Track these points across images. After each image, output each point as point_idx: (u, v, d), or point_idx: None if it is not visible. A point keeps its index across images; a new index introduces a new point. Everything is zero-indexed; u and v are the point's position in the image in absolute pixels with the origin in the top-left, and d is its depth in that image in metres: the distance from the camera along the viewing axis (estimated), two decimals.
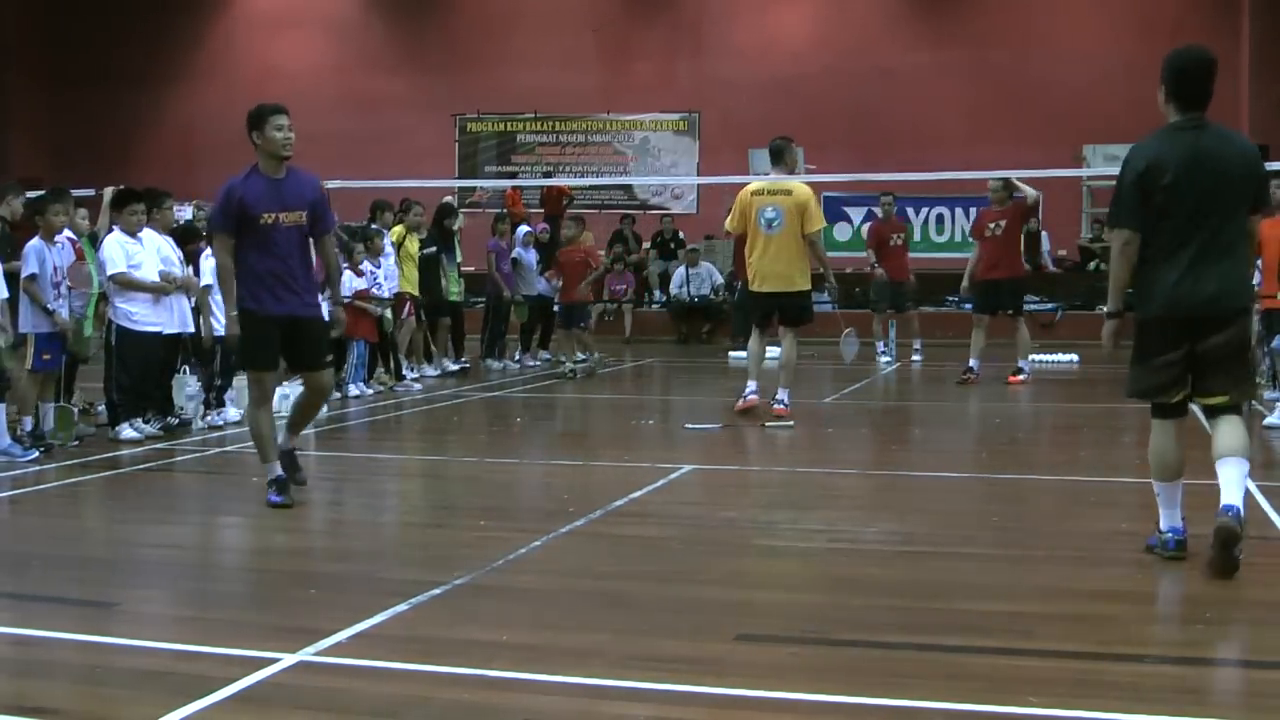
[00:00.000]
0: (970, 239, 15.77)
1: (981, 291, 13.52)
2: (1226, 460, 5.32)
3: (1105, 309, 5.62)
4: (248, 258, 6.83)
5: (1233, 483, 5.26)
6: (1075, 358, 15.76)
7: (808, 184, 10.65)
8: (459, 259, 14.95)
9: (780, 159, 10.43)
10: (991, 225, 13.46)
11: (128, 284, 9.20)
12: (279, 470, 6.91)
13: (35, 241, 8.85)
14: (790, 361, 10.22)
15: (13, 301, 8.70)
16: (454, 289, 14.71)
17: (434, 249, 14.14)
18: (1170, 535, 5.46)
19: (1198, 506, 5.46)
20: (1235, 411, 5.41)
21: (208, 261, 9.91)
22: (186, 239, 10.36)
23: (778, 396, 10.13)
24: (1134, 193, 5.31)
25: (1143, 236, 5.33)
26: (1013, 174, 15.21)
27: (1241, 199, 5.35)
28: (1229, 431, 5.37)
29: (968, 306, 14.54)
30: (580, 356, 14.76)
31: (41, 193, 9.53)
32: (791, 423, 9.92)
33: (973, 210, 19.91)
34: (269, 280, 6.83)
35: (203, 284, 9.83)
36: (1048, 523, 6.59)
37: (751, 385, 10.36)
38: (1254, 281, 12.65)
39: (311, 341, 7.11)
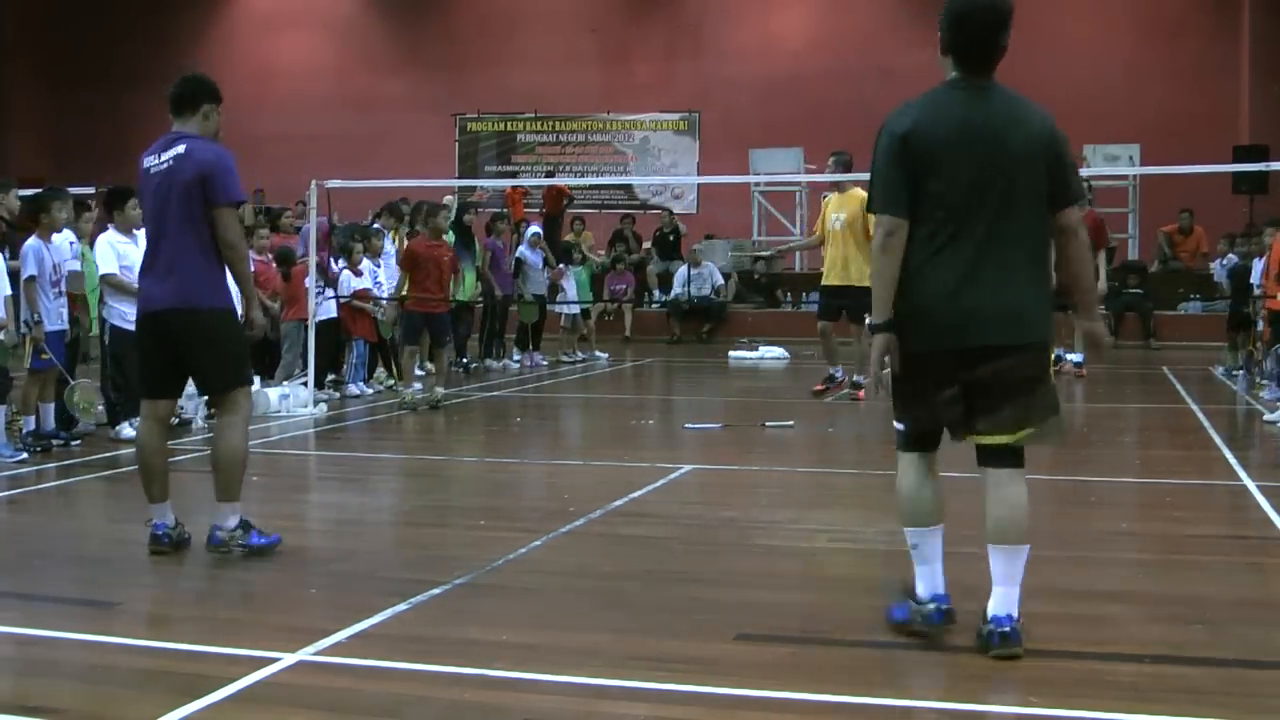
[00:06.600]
0: None
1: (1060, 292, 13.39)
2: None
3: (870, 321, 4.23)
4: None
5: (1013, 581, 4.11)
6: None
7: (808, 183, 10.68)
8: (478, 260, 14.83)
9: None
10: None
11: (117, 286, 9.12)
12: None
13: (33, 241, 8.79)
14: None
15: (13, 300, 8.68)
16: (467, 290, 14.56)
17: None
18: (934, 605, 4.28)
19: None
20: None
21: None
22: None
23: None
24: (894, 170, 4.10)
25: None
26: None
27: (1031, 188, 4.13)
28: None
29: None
30: (430, 369, 11.89)
31: (40, 191, 9.49)
32: (791, 422, 9.95)
33: None
34: None
35: None
36: (1048, 523, 6.58)
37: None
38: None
39: None
